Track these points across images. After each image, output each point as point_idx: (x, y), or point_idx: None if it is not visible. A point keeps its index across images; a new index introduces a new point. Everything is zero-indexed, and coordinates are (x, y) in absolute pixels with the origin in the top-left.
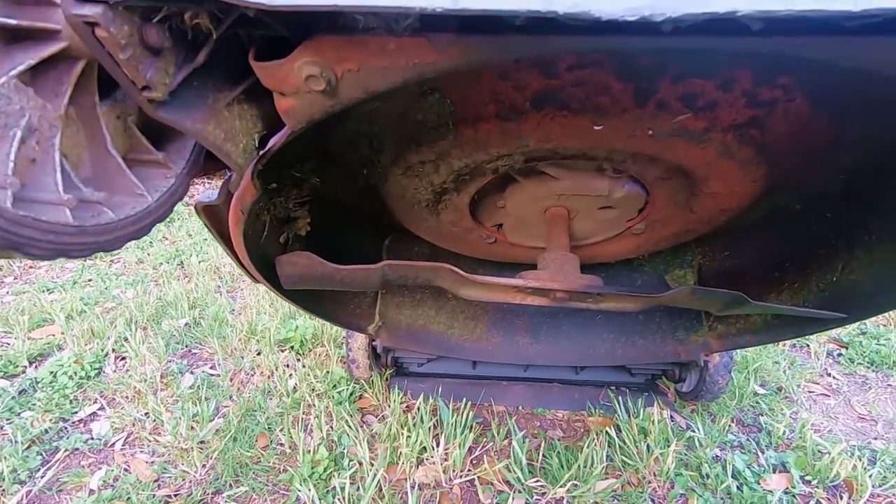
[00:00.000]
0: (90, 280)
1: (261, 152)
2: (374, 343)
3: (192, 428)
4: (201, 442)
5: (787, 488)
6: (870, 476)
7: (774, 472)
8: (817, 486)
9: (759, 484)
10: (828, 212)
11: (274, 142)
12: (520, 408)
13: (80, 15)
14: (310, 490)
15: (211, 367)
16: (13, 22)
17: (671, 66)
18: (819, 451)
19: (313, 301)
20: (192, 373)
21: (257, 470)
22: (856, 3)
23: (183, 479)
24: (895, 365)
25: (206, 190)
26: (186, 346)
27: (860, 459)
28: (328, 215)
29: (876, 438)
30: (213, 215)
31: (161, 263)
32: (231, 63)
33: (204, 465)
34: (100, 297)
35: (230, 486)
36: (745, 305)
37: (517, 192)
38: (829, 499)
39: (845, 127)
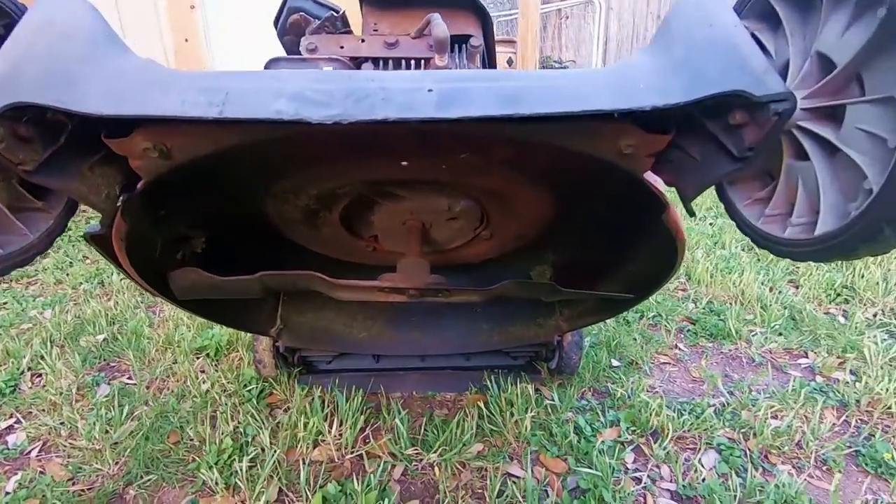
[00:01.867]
0: (5, 303)
1: (124, 198)
2: (277, 344)
3: (107, 431)
4: (115, 443)
5: (617, 437)
6: (680, 423)
7: (610, 426)
8: (639, 434)
9: (595, 437)
10: (628, 216)
11: (138, 189)
12: (414, 393)
13: None
14: (214, 474)
15: (128, 378)
16: None
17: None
18: (646, 408)
19: (215, 310)
20: (108, 384)
21: (167, 462)
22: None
23: (96, 476)
24: (728, 336)
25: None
26: (104, 360)
27: (674, 411)
28: (233, 231)
29: (700, 396)
30: (101, 242)
31: (80, 283)
32: (89, 138)
33: (116, 462)
34: (15, 319)
35: (141, 477)
36: (559, 292)
37: (380, 210)
38: (646, 442)
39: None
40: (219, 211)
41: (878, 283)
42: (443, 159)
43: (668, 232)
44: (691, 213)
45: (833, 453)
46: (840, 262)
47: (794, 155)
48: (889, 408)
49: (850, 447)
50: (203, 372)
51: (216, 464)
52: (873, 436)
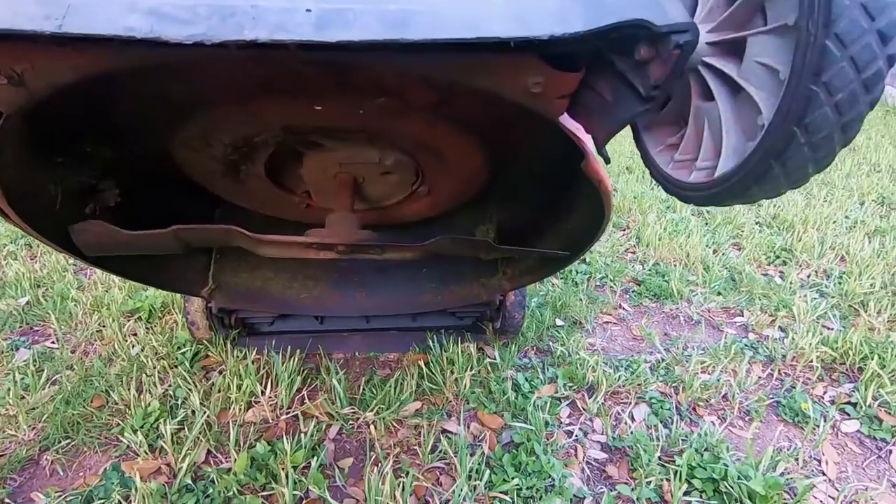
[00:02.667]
0: None
1: None
2: (210, 305)
3: (23, 397)
4: (32, 408)
5: (553, 393)
6: (616, 378)
7: (548, 383)
8: (575, 390)
9: (532, 393)
10: (561, 173)
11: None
12: (357, 354)
13: None
14: (138, 437)
15: (51, 342)
16: None
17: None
18: (583, 365)
19: (138, 269)
20: (28, 348)
21: (89, 427)
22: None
23: (9, 442)
24: (670, 296)
25: None
26: (27, 324)
27: (612, 368)
28: (152, 184)
29: (638, 353)
30: None
31: (5, 245)
32: None
33: (33, 428)
34: None
35: (58, 441)
36: (495, 249)
37: (308, 162)
38: (582, 397)
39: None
40: (123, 159)
41: (814, 246)
42: (358, 103)
43: (592, 183)
44: (606, 160)
45: (756, 404)
46: (740, 205)
47: (701, 95)
48: (811, 362)
49: (771, 398)
50: (134, 335)
51: (141, 427)
52: (794, 387)
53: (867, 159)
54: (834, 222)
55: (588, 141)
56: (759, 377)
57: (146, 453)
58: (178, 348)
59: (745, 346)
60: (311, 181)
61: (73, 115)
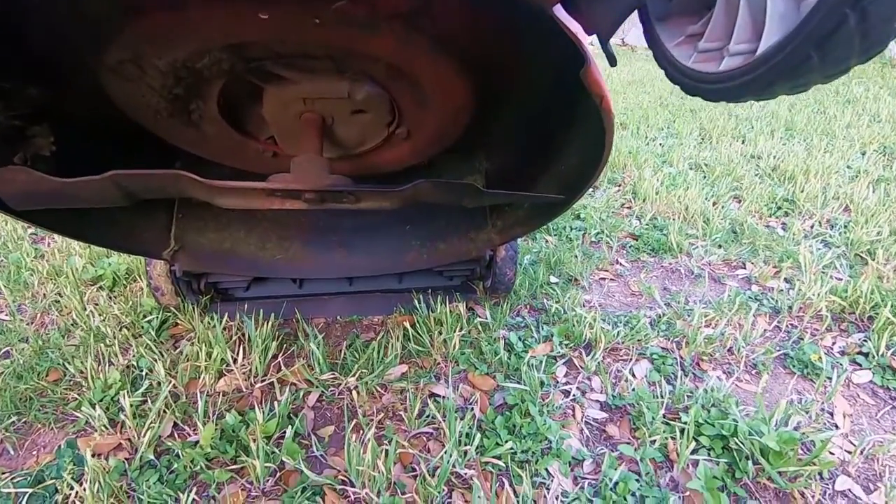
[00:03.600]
0: None
1: None
2: (173, 268)
3: None
4: None
5: (549, 352)
6: (614, 335)
7: (543, 342)
8: (572, 348)
9: (526, 352)
10: (555, 108)
11: None
12: (339, 318)
13: None
14: (97, 411)
15: (5, 315)
16: None
17: None
18: (580, 322)
19: (76, 225)
20: None
21: (44, 402)
22: None
23: None
24: (669, 250)
25: None
26: None
27: (610, 324)
28: (100, 134)
29: (637, 308)
30: None
31: None
32: None
33: None
34: None
35: (9, 418)
36: (481, 194)
37: (268, 99)
38: (579, 355)
39: (519, 28)
40: (53, 99)
41: (817, 196)
42: (312, 9)
43: (592, 97)
44: (612, 60)
45: (763, 357)
46: (781, 96)
47: None
48: (819, 311)
49: (779, 351)
50: (97, 305)
51: (101, 400)
52: (802, 339)
53: (867, 110)
54: (836, 172)
55: (587, 44)
56: (765, 330)
57: (105, 428)
58: (144, 317)
59: (750, 298)
60: (273, 123)
61: None
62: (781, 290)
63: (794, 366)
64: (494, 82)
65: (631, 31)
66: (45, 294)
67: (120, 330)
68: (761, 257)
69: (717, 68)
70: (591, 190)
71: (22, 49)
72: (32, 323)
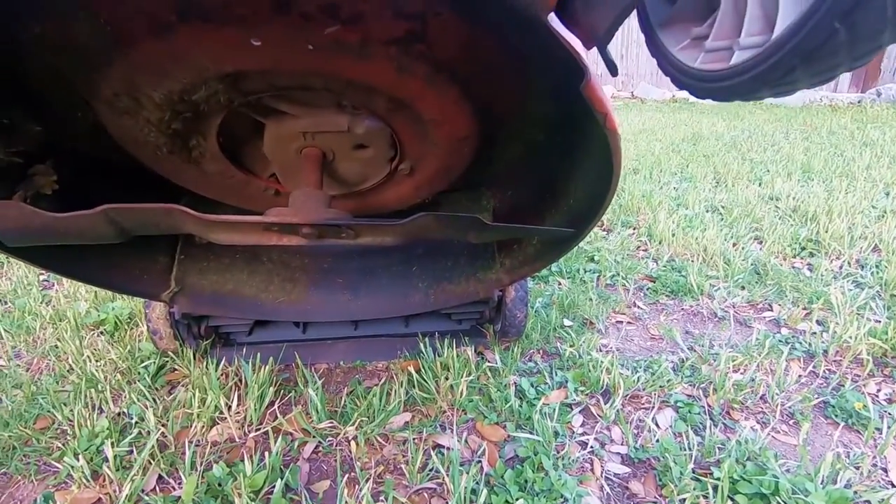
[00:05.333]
0: None
1: None
2: (172, 311)
3: None
4: None
5: (563, 399)
6: (634, 380)
7: (557, 388)
8: (588, 395)
9: (539, 400)
10: (559, 138)
11: None
12: (342, 363)
13: None
14: (80, 462)
15: (2, 361)
16: None
17: None
18: (597, 366)
19: (75, 265)
20: None
21: (28, 452)
22: None
23: None
24: (689, 292)
25: None
26: None
27: (629, 369)
28: (103, 173)
29: (658, 353)
30: None
31: None
32: None
33: None
34: None
35: None
36: (486, 229)
37: (268, 134)
38: (596, 403)
39: (516, 47)
40: (56, 137)
41: (843, 236)
42: (304, 35)
43: (595, 115)
44: (612, 69)
45: (800, 406)
46: (793, 89)
47: None
48: (859, 354)
49: (818, 398)
50: (97, 349)
51: (86, 450)
52: (842, 385)
53: (885, 152)
54: (860, 212)
55: (587, 57)
56: (800, 375)
57: (87, 480)
58: (141, 362)
59: (780, 341)
60: (274, 159)
61: None
62: (814, 333)
63: (836, 415)
64: (496, 110)
65: (640, 84)
66: (45, 339)
67: (114, 375)
68: (789, 298)
69: (728, 64)
70: (604, 233)
71: (21, 83)
72: (29, 369)
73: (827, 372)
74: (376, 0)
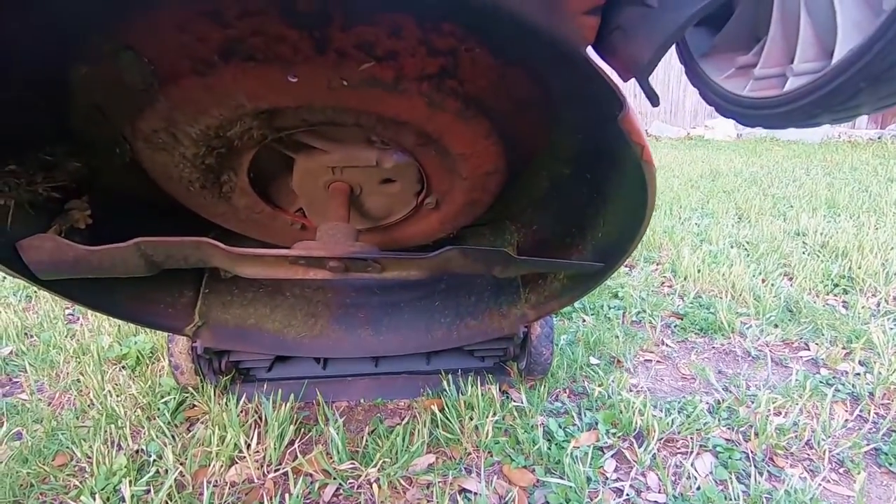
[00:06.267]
0: None
1: None
2: (195, 345)
3: None
4: None
5: (594, 442)
6: (669, 423)
7: (587, 430)
8: (621, 438)
9: (568, 442)
10: (587, 172)
11: None
12: (363, 401)
13: None
14: (96, 501)
15: (25, 395)
16: None
17: (335, 13)
18: (628, 407)
19: (103, 298)
20: None
21: (45, 489)
22: None
23: None
24: (719, 329)
25: None
26: (6, 374)
27: (662, 410)
28: (136, 210)
29: (691, 393)
30: None
31: (6, 296)
32: None
33: None
34: None
35: None
36: (512, 262)
37: (298, 169)
38: (629, 446)
39: (549, 80)
40: (93, 173)
41: (877, 273)
42: (340, 71)
43: (631, 148)
44: (654, 99)
45: (850, 452)
46: (836, 124)
47: None
48: None
49: (868, 445)
50: (118, 384)
51: (102, 489)
52: (895, 431)
53: None
54: (892, 248)
55: (625, 89)
56: (847, 419)
57: None
58: (161, 397)
59: (821, 382)
60: (302, 193)
61: (26, 110)
62: (857, 374)
63: (890, 463)
64: (524, 144)
65: (654, 122)
66: (68, 373)
67: (134, 411)
68: (826, 337)
69: (782, 90)
70: (627, 269)
71: (65, 122)
72: (51, 403)
73: (876, 416)
74: (411, 37)
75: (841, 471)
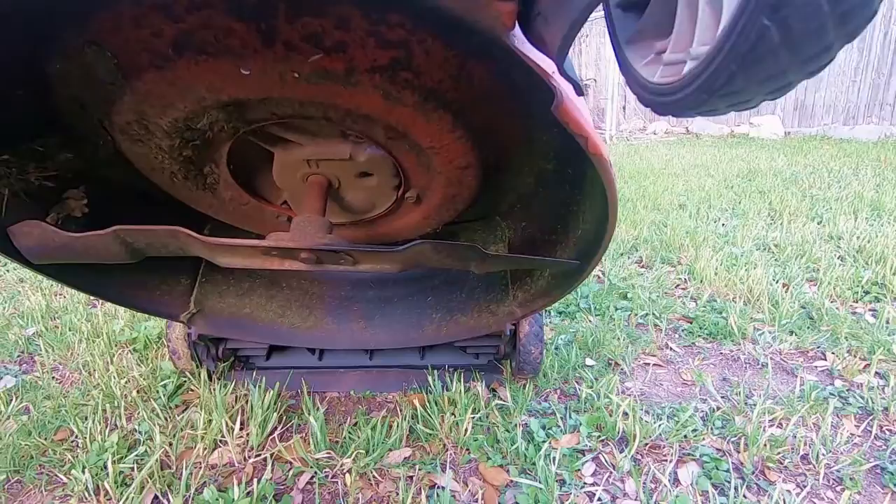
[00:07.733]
0: None
1: None
2: (189, 331)
3: None
4: None
5: (575, 445)
6: (655, 429)
7: (569, 432)
8: (602, 441)
9: (548, 443)
10: (568, 168)
11: None
12: (352, 392)
13: None
14: (85, 476)
15: (43, 372)
16: None
17: (280, 5)
18: (614, 411)
19: (101, 283)
20: (15, 377)
21: (43, 462)
22: None
23: None
24: (729, 335)
25: None
26: (29, 353)
27: (651, 416)
28: (133, 201)
29: (688, 399)
30: None
31: (42, 279)
32: None
33: None
34: None
35: (8, 478)
36: (487, 258)
37: (277, 162)
38: (610, 451)
39: (509, 73)
40: (87, 163)
41: None
42: (290, 64)
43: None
44: (577, 87)
45: (849, 469)
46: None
47: None
48: None
49: (871, 462)
50: (125, 366)
51: (93, 465)
52: None
53: None
54: None
55: (557, 77)
56: (852, 434)
57: (89, 495)
58: (161, 381)
59: (831, 394)
60: (284, 186)
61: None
62: (873, 387)
63: (893, 483)
64: (496, 138)
65: (695, 119)
66: (79, 354)
67: (133, 392)
68: (845, 347)
69: (680, 76)
70: (642, 269)
71: (53, 114)
72: (61, 382)
73: (886, 432)
74: (359, 28)
75: (837, 488)
